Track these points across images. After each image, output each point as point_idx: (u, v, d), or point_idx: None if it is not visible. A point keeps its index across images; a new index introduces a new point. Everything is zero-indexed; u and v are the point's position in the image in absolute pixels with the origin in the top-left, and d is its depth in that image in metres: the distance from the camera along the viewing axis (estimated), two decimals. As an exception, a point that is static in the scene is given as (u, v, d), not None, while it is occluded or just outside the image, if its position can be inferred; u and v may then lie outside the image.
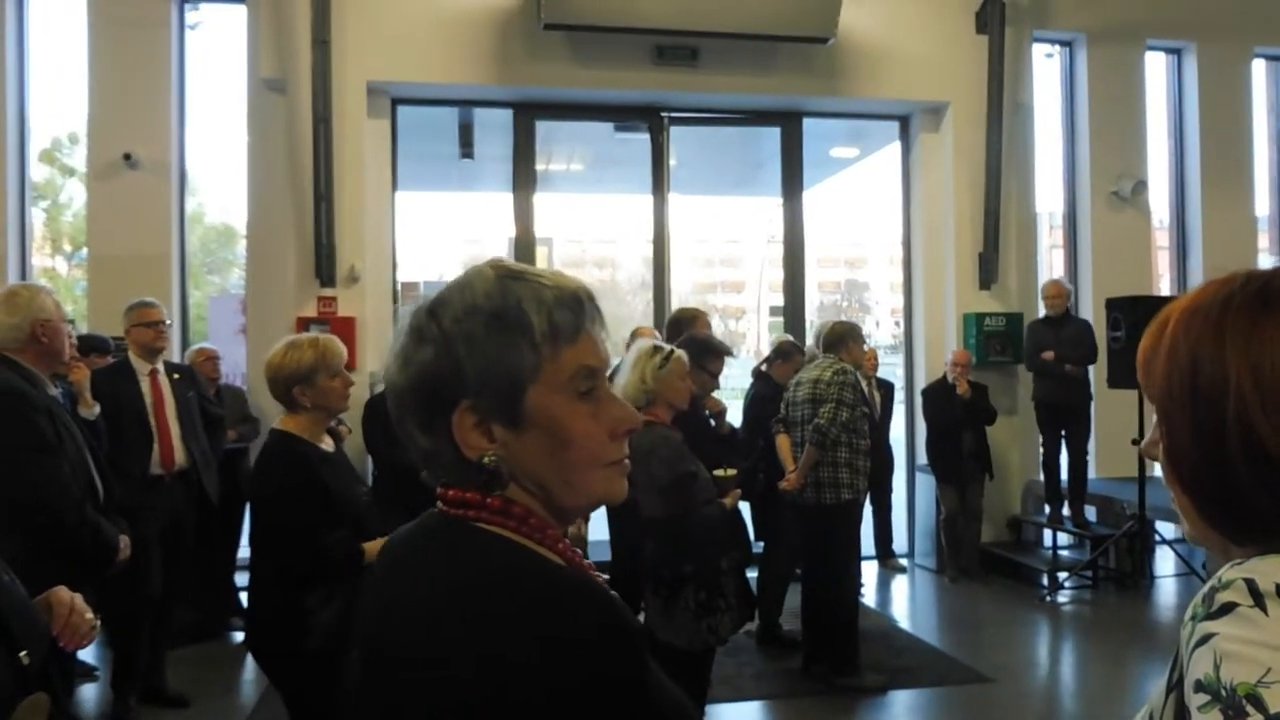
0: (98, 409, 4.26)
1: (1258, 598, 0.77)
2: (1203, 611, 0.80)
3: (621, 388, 3.69)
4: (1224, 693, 0.73)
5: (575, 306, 0.98)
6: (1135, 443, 6.17)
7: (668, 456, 3.62)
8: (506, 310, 0.95)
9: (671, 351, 3.69)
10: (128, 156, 6.89)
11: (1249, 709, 0.71)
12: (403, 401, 0.98)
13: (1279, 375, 0.82)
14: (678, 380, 3.72)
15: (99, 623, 1.96)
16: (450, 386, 0.94)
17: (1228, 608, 0.78)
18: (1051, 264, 11.01)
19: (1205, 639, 0.77)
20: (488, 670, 0.83)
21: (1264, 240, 8.96)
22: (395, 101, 7.33)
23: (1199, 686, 0.76)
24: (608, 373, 1.02)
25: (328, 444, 2.79)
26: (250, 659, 5.30)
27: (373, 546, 2.64)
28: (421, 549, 0.97)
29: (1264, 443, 0.81)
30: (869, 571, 7.49)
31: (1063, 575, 6.96)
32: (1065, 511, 7.27)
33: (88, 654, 5.40)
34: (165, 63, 7.11)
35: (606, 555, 5.79)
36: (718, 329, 5.71)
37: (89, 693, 4.99)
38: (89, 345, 5.08)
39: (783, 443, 5.21)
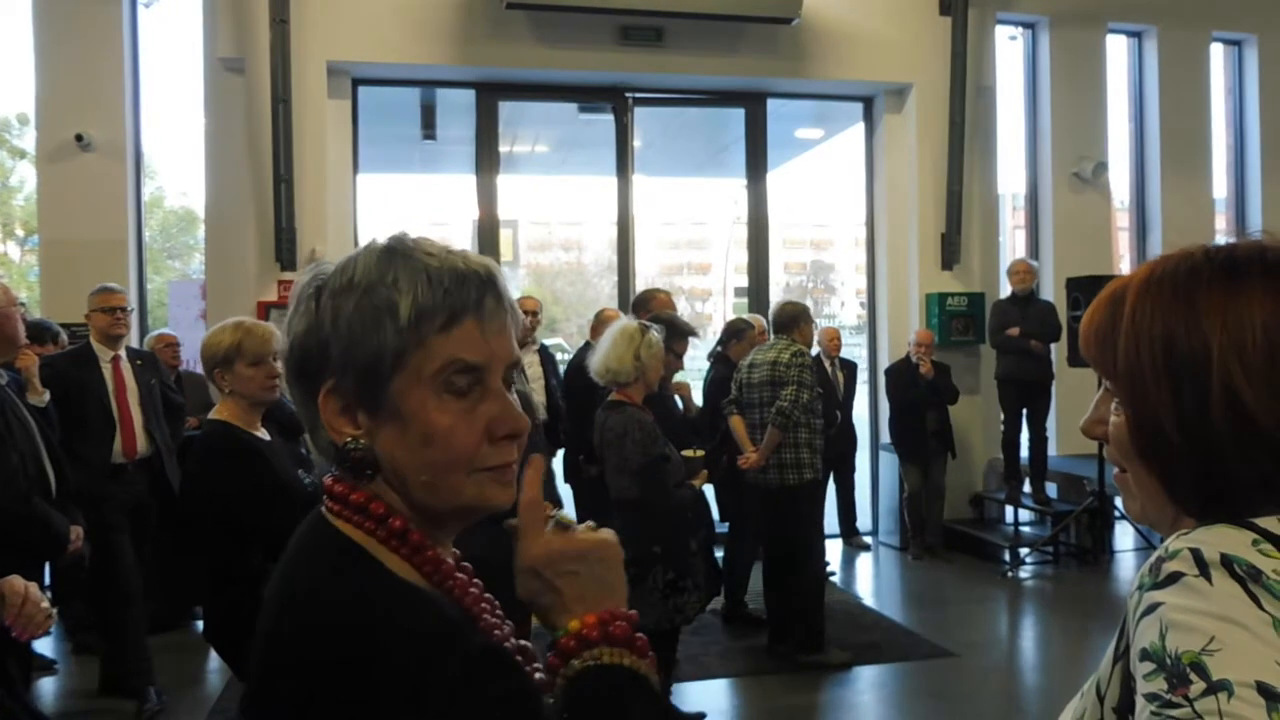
0: (47, 396, 4.19)
1: (1203, 567, 0.77)
2: (1149, 581, 0.80)
3: (601, 364, 3.70)
4: (1169, 661, 0.74)
5: (456, 289, 0.88)
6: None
7: (641, 440, 3.66)
8: (377, 288, 0.87)
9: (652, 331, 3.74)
10: (80, 138, 6.74)
11: (1193, 677, 0.72)
12: (286, 373, 0.94)
13: (1261, 347, 0.82)
14: (658, 361, 3.76)
15: (55, 611, 1.93)
16: (315, 364, 0.89)
17: (1174, 577, 0.78)
18: (1014, 244, 11.12)
19: (1152, 608, 0.78)
20: (300, 684, 0.80)
21: (1221, 221, 9.10)
22: (356, 82, 7.23)
23: (1145, 655, 0.76)
24: (510, 365, 0.92)
25: (263, 432, 2.75)
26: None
27: None
28: (291, 549, 0.93)
29: (1252, 414, 0.81)
30: (834, 550, 7.55)
31: (1024, 551, 7.06)
32: (1026, 488, 7.37)
33: (46, 647, 5.32)
34: (117, 41, 6.95)
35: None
36: (684, 311, 5.71)
37: (47, 686, 4.92)
38: (34, 333, 4.99)
39: (737, 424, 5.17)
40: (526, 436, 0.93)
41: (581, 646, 0.87)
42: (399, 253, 0.89)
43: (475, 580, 0.97)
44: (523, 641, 0.99)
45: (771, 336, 5.29)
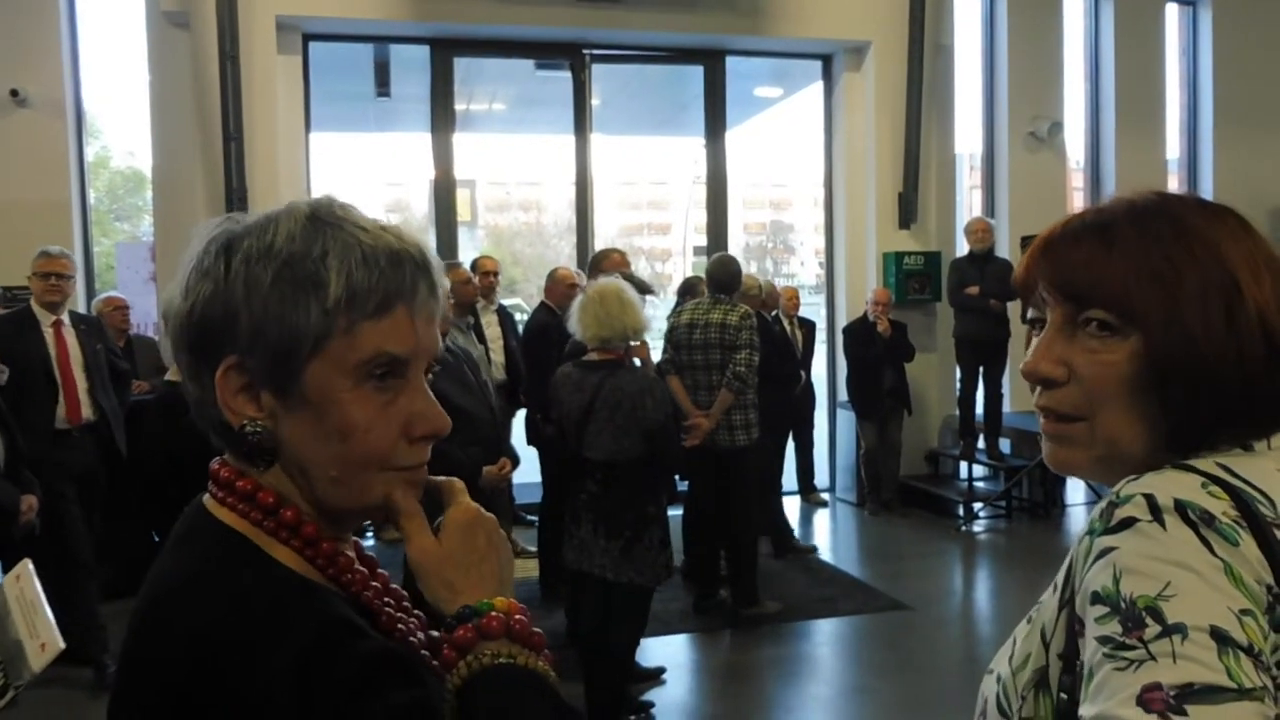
0: None
1: (1156, 513, 0.78)
2: (1101, 526, 0.80)
3: (626, 327, 3.65)
4: (1123, 605, 0.75)
5: (391, 270, 0.80)
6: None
7: (662, 400, 3.68)
8: (303, 260, 0.78)
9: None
10: (15, 93, 6.50)
11: (1148, 620, 0.73)
12: (175, 335, 0.83)
13: (1265, 267, 0.86)
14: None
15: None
16: (219, 334, 0.79)
17: (1127, 523, 0.79)
18: (971, 204, 11.19)
19: (1104, 553, 0.79)
20: (168, 686, 0.74)
21: (1174, 182, 9.22)
22: (307, 37, 7.05)
23: (1097, 598, 0.77)
24: (434, 358, 0.85)
25: None
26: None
27: None
28: (169, 542, 0.86)
29: (1275, 329, 0.84)
30: (792, 506, 7.64)
31: (978, 506, 7.20)
32: (980, 444, 7.49)
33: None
34: (52, -10, 6.69)
35: (536, 497, 5.80)
36: (644, 271, 5.68)
37: None
38: None
39: (676, 385, 4.99)
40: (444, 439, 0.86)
41: (480, 638, 0.79)
42: (327, 222, 0.81)
43: (378, 574, 0.91)
44: (434, 633, 0.89)
45: (708, 294, 5.17)
